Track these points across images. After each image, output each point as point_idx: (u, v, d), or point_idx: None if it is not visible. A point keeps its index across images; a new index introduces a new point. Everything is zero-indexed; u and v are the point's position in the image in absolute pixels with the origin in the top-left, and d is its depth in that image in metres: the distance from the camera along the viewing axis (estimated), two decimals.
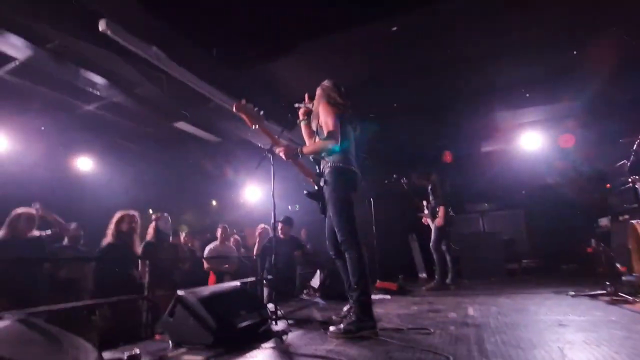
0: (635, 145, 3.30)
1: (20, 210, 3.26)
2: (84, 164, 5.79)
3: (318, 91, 2.59)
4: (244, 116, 2.58)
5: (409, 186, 5.22)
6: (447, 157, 6.50)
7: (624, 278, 3.08)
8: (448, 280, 4.72)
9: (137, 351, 1.39)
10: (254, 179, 7.81)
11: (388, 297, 4.01)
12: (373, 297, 3.97)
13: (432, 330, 2.13)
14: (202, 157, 7.05)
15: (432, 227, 4.89)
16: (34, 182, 4.70)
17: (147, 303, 2.58)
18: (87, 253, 3.95)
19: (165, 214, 4.06)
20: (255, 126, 2.60)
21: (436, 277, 4.76)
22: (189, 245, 5.69)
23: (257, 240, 5.11)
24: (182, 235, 5.62)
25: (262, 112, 2.65)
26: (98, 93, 4.47)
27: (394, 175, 5.17)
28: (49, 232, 3.63)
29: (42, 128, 4.99)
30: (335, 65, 4.26)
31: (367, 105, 4.96)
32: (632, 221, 2.89)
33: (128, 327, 2.69)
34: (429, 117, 5.61)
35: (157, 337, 2.38)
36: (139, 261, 3.54)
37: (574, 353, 1.61)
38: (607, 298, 2.89)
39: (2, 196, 3.98)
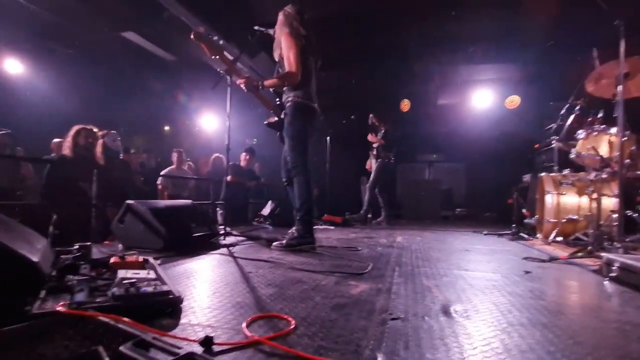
0: (563, 110, 3.70)
1: None
2: (13, 66, 5.19)
3: (280, 17, 2.49)
4: (203, 45, 2.48)
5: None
6: (405, 105, 6.71)
7: (525, 221, 3.66)
8: (381, 219, 5.25)
9: (89, 243, 1.50)
10: (211, 108, 7.52)
11: (332, 228, 4.39)
12: (318, 227, 4.38)
13: (361, 249, 2.47)
14: (155, 76, 6.57)
15: (373, 169, 5.28)
16: None
17: (95, 211, 2.62)
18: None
19: (113, 131, 3.89)
20: (216, 56, 2.52)
21: (382, 213, 5.26)
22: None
23: (210, 167, 5.14)
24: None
25: (221, 42, 2.57)
26: None
27: (352, 117, 5.28)
28: None
29: None
30: None
31: (334, 43, 4.84)
32: (541, 174, 3.38)
33: (78, 232, 2.73)
34: (393, 64, 5.65)
35: (106, 243, 2.48)
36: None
37: (469, 264, 2.00)
38: (510, 236, 3.46)
39: None
